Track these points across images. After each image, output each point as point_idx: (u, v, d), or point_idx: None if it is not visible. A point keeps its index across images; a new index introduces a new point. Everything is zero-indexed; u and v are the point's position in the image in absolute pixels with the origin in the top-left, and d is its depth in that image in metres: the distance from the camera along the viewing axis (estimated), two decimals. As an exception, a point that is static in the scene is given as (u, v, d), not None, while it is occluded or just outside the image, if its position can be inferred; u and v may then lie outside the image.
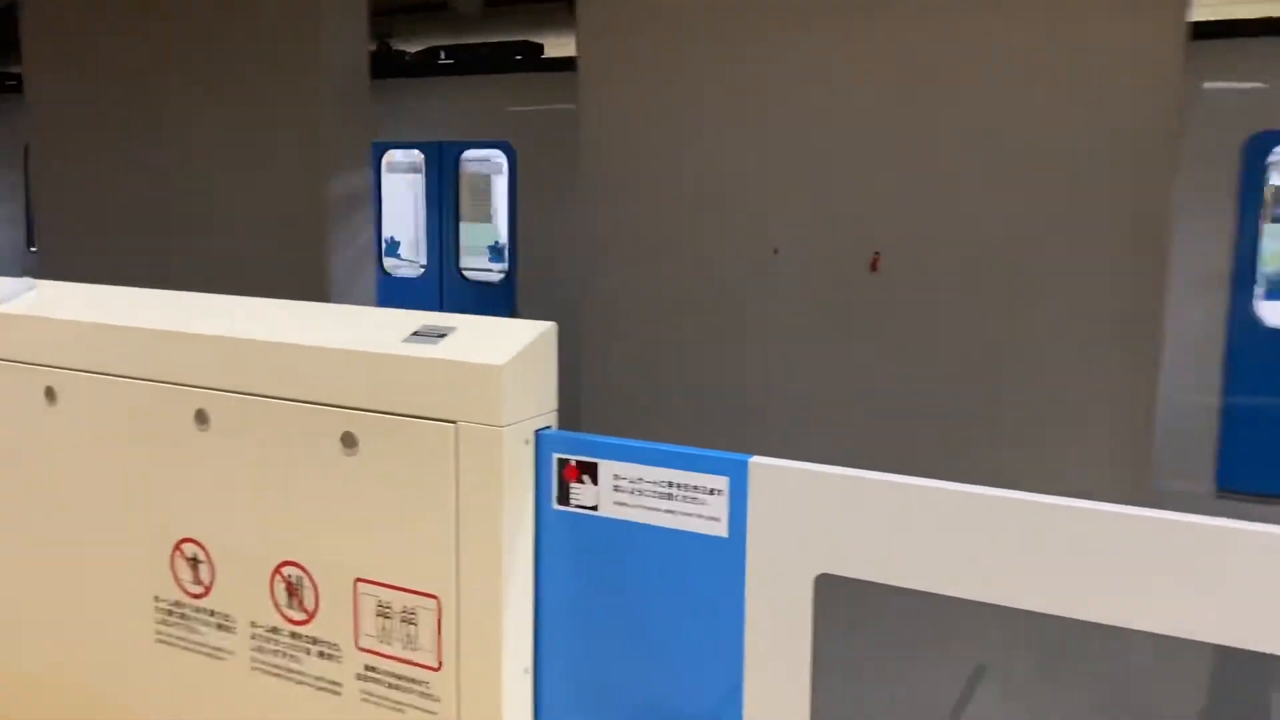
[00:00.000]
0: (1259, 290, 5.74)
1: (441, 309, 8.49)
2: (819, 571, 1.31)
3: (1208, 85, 5.30)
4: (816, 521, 1.30)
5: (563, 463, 1.45)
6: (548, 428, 1.48)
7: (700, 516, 1.36)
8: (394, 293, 8.94)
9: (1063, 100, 3.80)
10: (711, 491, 1.35)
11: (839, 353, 4.29)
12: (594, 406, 4.59)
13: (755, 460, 1.33)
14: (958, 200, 4.02)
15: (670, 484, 1.38)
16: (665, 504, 1.38)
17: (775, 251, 4.38)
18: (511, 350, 1.42)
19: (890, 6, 4.04)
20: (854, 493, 1.28)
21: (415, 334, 1.52)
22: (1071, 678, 3.76)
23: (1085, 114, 3.77)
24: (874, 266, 4.16)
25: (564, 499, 1.45)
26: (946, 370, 4.10)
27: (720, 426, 4.44)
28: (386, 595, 1.54)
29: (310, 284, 5.48)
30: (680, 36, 4.43)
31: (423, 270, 9.35)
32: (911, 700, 4.06)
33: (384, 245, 9.60)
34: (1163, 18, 3.65)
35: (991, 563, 1.20)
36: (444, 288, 8.95)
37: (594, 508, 1.43)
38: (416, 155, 9.55)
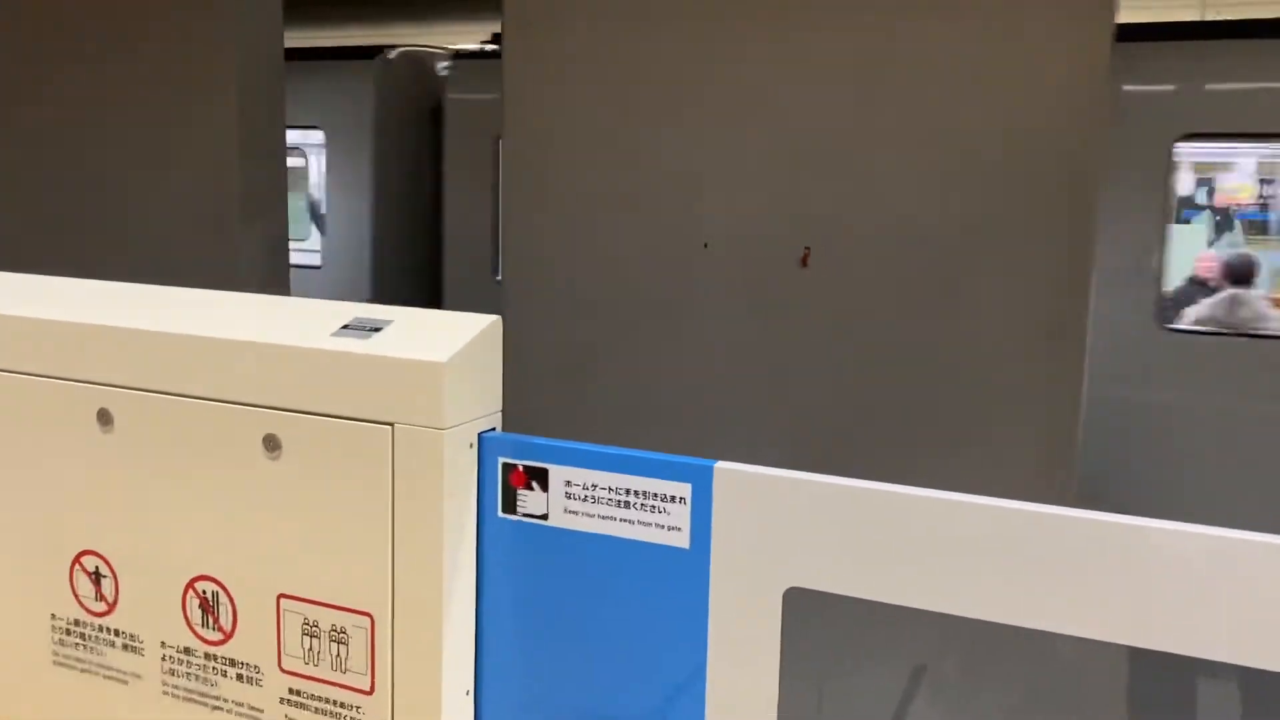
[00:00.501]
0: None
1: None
2: (788, 585, 1.22)
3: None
4: (786, 531, 1.22)
5: (509, 468, 1.34)
6: (492, 430, 1.37)
7: (660, 526, 1.27)
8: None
9: (992, 100, 3.80)
10: (672, 499, 1.26)
11: (768, 348, 4.24)
12: (515, 407, 4.47)
13: (721, 465, 1.24)
14: (888, 197, 4.00)
15: (628, 491, 1.28)
16: (621, 513, 1.28)
17: (705, 246, 4.31)
18: (454, 346, 1.31)
19: (822, 5, 4.00)
20: (828, 500, 1.20)
21: (346, 327, 1.39)
22: (1003, 673, 3.76)
23: (1014, 113, 3.78)
24: (804, 262, 4.12)
25: (510, 507, 1.34)
26: (875, 366, 4.08)
27: (648, 424, 4.36)
28: (313, 612, 1.41)
29: (218, 281, 5.23)
30: (609, 27, 4.33)
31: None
32: (844, 698, 4.02)
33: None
34: (1091, 18, 3.67)
35: (979, 574, 1.13)
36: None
37: (543, 517, 1.32)
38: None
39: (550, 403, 4.61)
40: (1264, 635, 1.05)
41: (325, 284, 7.56)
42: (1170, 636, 1.08)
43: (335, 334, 1.38)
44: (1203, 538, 1.07)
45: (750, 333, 4.45)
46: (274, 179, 5.71)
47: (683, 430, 4.36)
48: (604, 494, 1.29)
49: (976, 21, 3.89)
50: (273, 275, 5.52)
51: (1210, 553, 1.07)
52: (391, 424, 1.31)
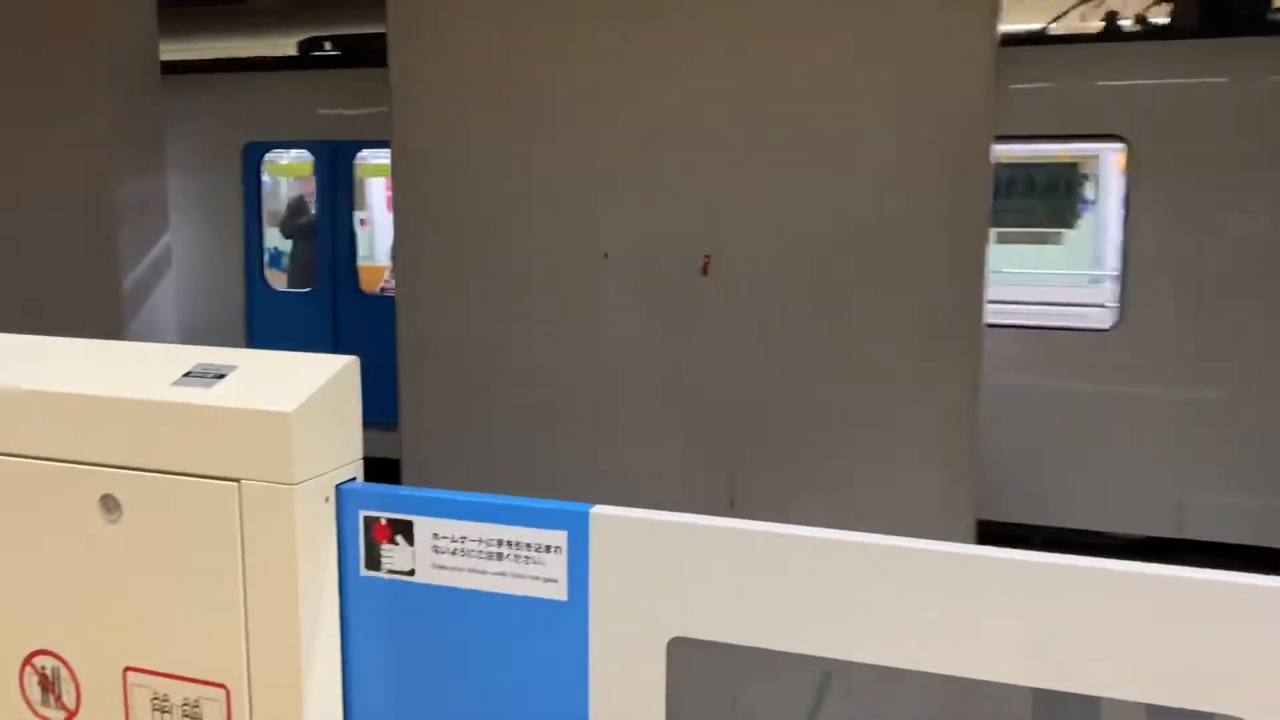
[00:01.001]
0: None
1: None
2: (672, 635, 1.15)
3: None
4: (669, 577, 1.14)
5: (370, 522, 1.24)
6: (352, 480, 1.27)
7: (535, 578, 1.18)
8: None
9: (884, 104, 3.81)
10: (547, 549, 1.17)
11: (671, 355, 4.20)
12: (415, 423, 4.34)
13: (597, 511, 1.16)
14: (786, 204, 3.98)
15: (499, 542, 1.19)
16: (494, 565, 1.19)
17: (605, 255, 4.25)
18: (303, 393, 1.20)
19: (716, 12, 3.97)
20: (711, 543, 1.13)
21: (188, 375, 1.27)
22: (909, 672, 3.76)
23: (905, 117, 3.79)
24: (705, 270, 4.08)
25: (374, 564, 1.24)
26: (778, 371, 4.06)
27: (552, 434, 4.28)
28: (163, 686, 1.29)
29: (97, 302, 4.99)
30: (502, 33, 4.23)
31: None
32: (753, 703, 3.99)
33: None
34: (975, 23, 3.70)
35: (872, 617, 1.07)
36: None
37: (410, 573, 1.23)
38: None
39: (453, 415, 4.50)
40: (1163, 669, 1.02)
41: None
42: (1068, 675, 1.04)
43: (176, 383, 1.26)
44: (1090, 571, 1.03)
45: (652, 340, 4.40)
46: (155, 193, 5.48)
47: (586, 437, 4.29)
48: (474, 546, 1.20)
49: (865, 32, 3.90)
50: (152, 289, 5.30)
51: (1104, 586, 1.03)
52: (238, 480, 1.20)
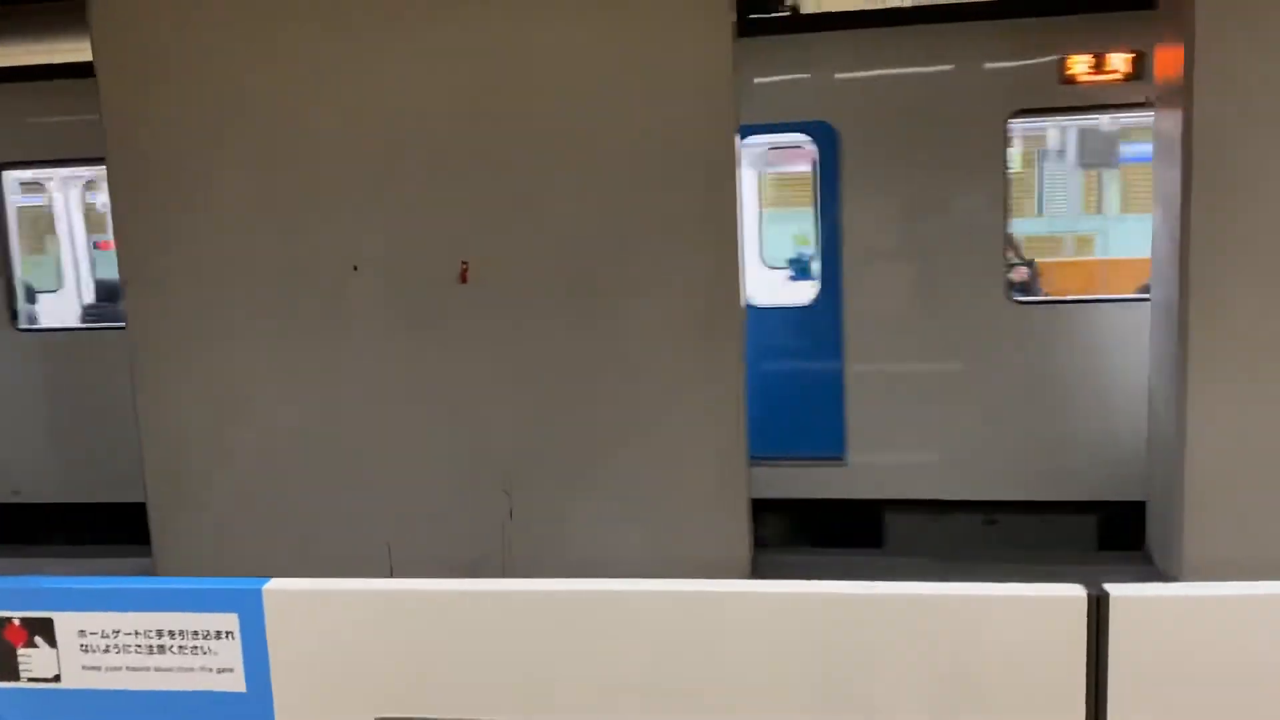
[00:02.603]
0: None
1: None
2: (375, 716, 1.01)
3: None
4: (364, 652, 1.00)
5: (2, 623, 1.03)
6: (-25, 574, 1.06)
7: (207, 670, 1.01)
8: None
9: (630, 104, 3.79)
10: (218, 635, 1.00)
11: (430, 365, 4.05)
12: (157, 455, 4.00)
13: (271, 587, 1.00)
14: (541, 207, 3.90)
15: (160, 632, 1.01)
16: (156, 660, 1.01)
17: (355, 269, 4.03)
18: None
19: (460, 11, 3.84)
20: (405, 608, 0.99)
21: None
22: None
23: (650, 117, 3.78)
24: (463, 277, 3.95)
25: (9, 673, 1.04)
26: (544, 378, 3.98)
27: (310, 465, 4.03)
28: None
29: None
30: (231, 36, 3.93)
31: None
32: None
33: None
34: (711, 18, 3.72)
35: (613, 670, 0.97)
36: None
37: (55, 679, 1.03)
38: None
39: (201, 454, 4.17)
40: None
41: None
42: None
43: None
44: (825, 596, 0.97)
45: (409, 351, 4.23)
46: None
47: (349, 465, 4.07)
48: (130, 640, 1.01)
49: (610, 31, 3.89)
50: None
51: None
52: None
